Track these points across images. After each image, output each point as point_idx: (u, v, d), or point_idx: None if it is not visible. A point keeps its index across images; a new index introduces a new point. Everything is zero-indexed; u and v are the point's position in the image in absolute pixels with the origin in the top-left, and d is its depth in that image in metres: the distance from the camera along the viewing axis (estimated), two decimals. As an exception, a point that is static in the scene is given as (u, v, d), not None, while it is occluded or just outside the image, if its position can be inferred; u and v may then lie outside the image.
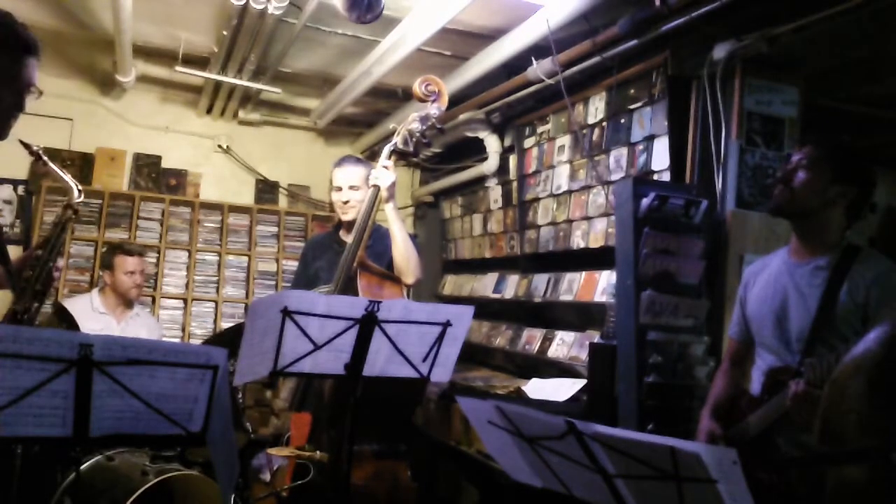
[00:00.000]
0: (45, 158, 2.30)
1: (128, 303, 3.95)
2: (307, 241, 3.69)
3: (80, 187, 2.38)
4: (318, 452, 2.43)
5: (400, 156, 2.89)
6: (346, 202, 2.99)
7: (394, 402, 2.77)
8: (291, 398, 2.83)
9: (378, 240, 2.95)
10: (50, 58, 4.51)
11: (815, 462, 1.53)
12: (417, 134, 2.80)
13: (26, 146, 2.24)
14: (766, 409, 2.03)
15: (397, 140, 2.82)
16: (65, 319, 2.99)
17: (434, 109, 2.81)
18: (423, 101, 2.83)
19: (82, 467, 2.85)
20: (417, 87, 2.81)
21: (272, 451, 2.54)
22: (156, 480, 2.71)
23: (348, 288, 2.70)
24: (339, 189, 3.01)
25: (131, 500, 2.60)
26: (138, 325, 3.97)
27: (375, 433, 2.73)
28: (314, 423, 2.62)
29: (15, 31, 1.92)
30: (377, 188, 2.77)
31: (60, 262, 2.32)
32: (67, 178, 2.37)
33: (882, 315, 1.90)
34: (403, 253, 2.81)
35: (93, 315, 3.85)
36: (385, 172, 2.78)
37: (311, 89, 5.01)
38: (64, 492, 2.79)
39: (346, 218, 3.01)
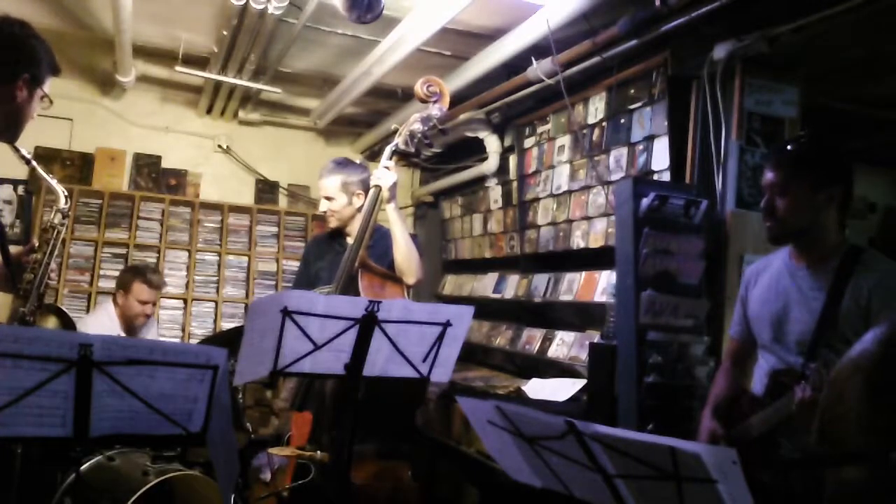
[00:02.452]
0: (35, 164, 2.34)
1: (136, 327, 3.93)
2: (308, 242, 3.71)
3: (66, 193, 2.44)
4: (318, 452, 2.43)
5: (401, 156, 2.90)
6: (323, 212, 3.08)
7: (396, 402, 2.78)
8: (293, 397, 2.84)
9: (379, 240, 2.96)
10: (50, 58, 4.51)
11: (814, 464, 1.53)
12: (419, 134, 2.80)
13: (16, 150, 2.27)
14: (769, 412, 2.02)
15: (399, 141, 2.82)
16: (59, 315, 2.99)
17: (436, 110, 2.81)
18: (424, 101, 2.83)
19: (82, 468, 2.85)
20: (419, 88, 2.81)
21: (273, 450, 2.54)
22: (157, 481, 2.71)
23: (350, 288, 2.71)
24: (321, 200, 3.09)
25: (132, 500, 2.60)
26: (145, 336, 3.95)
27: (378, 433, 2.73)
28: (315, 423, 2.62)
29: (48, 54, 2.00)
30: (378, 188, 2.77)
31: (53, 265, 2.39)
32: (54, 183, 2.41)
33: (882, 316, 1.89)
34: (405, 253, 2.81)
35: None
36: (386, 173, 2.78)
37: (311, 89, 5.01)
38: (64, 492, 2.80)
39: (329, 226, 3.09)
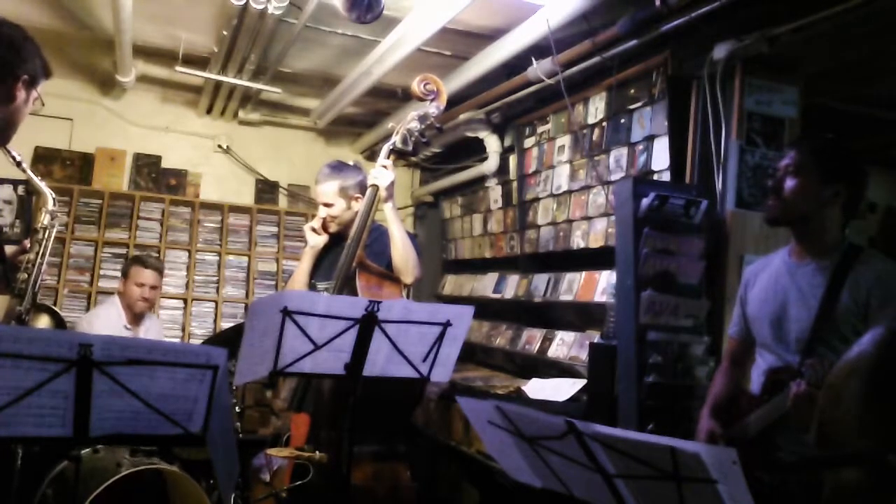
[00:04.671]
0: (25, 166, 2.37)
1: (137, 315, 3.94)
2: None
3: (54, 195, 2.48)
4: (317, 453, 2.43)
5: (399, 155, 2.89)
6: (323, 218, 3.03)
7: (392, 402, 2.77)
8: (291, 398, 2.84)
9: (377, 239, 2.95)
10: (50, 58, 4.49)
11: (812, 466, 1.53)
12: (416, 133, 2.80)
13: (7, 152, 2.29)
14: (766, 409, 2.03)
15: (396, 139, 2.82)
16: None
17: (433, 108, 2.81)
18: (421, 99, 2.83)
19: (67, 460, 2.87)
20: (416, 86, 2.81)
21: (271, 451, 2.54)
22: (125, 472, 2.71)
23: (347, 287, 2.70)
24: (319, 206, 3.05)
25: (97, 492, 2.61)
26: (149, 335, 3.96)
27: (374, 434, 2.73)
28: (313, 424, 2.62)
29: (41, 57, 2.02)
30: (376, 187, 2.77)
31: (46, 265, 2.45)
32: (43, 185, 2.46)
33: (880, 317, 1.89)
34: (402, 252, 2.80)
35: (120, 331, 3.79)
36: (384, 172, 2.77)
37: (311, 89, 5.01)
38: (49, 482, 2.82)
39: (329, 231, 3.04)
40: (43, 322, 2.79)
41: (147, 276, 3.90)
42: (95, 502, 2.60)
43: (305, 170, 5.60)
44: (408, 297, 2.98)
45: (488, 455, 2.59)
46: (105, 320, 3.84)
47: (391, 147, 2.82)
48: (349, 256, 2.74)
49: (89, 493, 2.60)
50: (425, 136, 2.85)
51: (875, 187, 4.48)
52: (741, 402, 2.18)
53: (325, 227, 3.04)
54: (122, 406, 1.54)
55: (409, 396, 2.97)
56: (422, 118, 2.79)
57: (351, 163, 3.17)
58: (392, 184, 2.79)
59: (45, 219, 2.41)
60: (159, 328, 4.21)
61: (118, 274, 4.19)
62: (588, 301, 3.59)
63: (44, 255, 2.38)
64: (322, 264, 3.08)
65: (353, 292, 2.66)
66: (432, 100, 2.82)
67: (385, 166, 2.78)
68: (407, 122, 2.81)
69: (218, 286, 5.12)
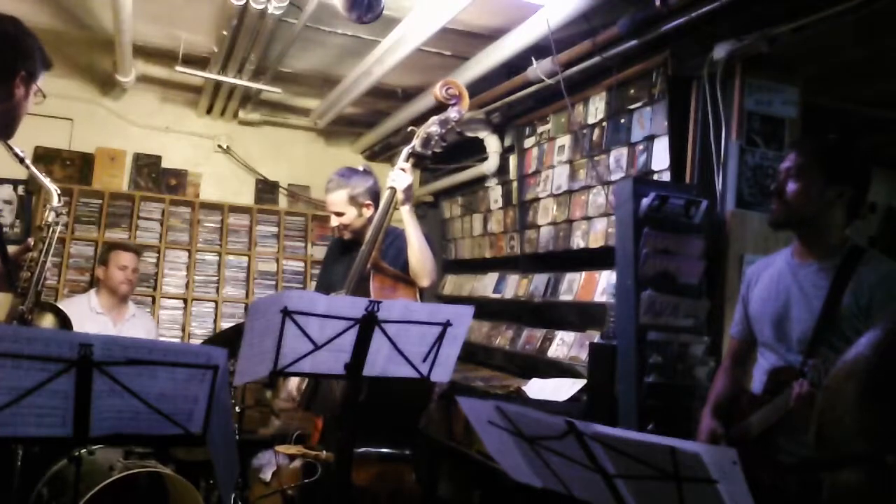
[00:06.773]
0: (28, 162, 2.36)
1: (122, 300, 3.97)
2: (330, 244, 3.63)
3: (59, 191, 2.46)
4: (324, 452, 2.44)
5: (418, 159, 2.87)
6: (335, 227, 3.04)
7: (401, 405, 2.77)
8: (302, 398, 2.84)
9: (393, 241, 2.95)
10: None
11: (812, 467, 1.53)
12: (436, 137, 2.79)
13: (9, 148, 2.27)
14: (768, 410, 2.03)
15: (416, 143, 2.80)
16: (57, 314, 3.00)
17: (454, 113, 2.80)
18: (443, 104, 2.82)
19: (62, 461, 2.87)
20: (438, 91, 2.80)
21: (280, 448, 2.55)
22: (118, 476, 2.72)
23: (361, 289, 2.69)
24: (331, 216, 3.05)
25: (87, 496, 2.62)
26: (136, 328, 3.97)
27: (382, 436, 2.73)
28: (324, 424, 2.63)
29: (40, 50, 1.99)
30: (393, 190, 2.76)
31: (49, 264, 2.43)
32: (48, 181, 2.45)
33: (879, 318, 1.89)
34: (419, 255, 2.80)
35: (90, 315, 3.87)
36: (402, 175, 2.76)
37: (311, 89, 5.01)
38: (45, 482, 2.83)
39: (345, 237, 3.05)
40: (47, 321, 2.77)
41: (128, 258, 3.97)
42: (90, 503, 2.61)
43: (305, 170, 5.60)
44: (420, 298, 2.96)
45: (489, 455, 2.59)
46: (77, 306, 3.89)
47: (411, 151, 2.80)
48: (364, 258, 2.74)
49: (81, 495, 2.60)
50: (445, 139, 2.84)
51: (875, 187, 4.45)
52: (742, 401, 2.18)
53: (339, 235, 3.04)
54: (123, 406, 1.54)
55: (418, 398, 2.97)
56: (443, 122, 2.78)
57: (361, 168, 3.12)
58: (409, 187, 2.78)
59: (48, 216, 2.39)
60: (150, 326, 4.22)
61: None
62: (588, 301, 3.58)
63: (47, 252, 2.35)
64: (338, 270, 3.06)
65: (367, 294, 2.65)
66: (454, 104, 2.80)
67: (404, 169, 2.77)
68: (428, 126, 2.79)
69: (218, 286, 5.12)
